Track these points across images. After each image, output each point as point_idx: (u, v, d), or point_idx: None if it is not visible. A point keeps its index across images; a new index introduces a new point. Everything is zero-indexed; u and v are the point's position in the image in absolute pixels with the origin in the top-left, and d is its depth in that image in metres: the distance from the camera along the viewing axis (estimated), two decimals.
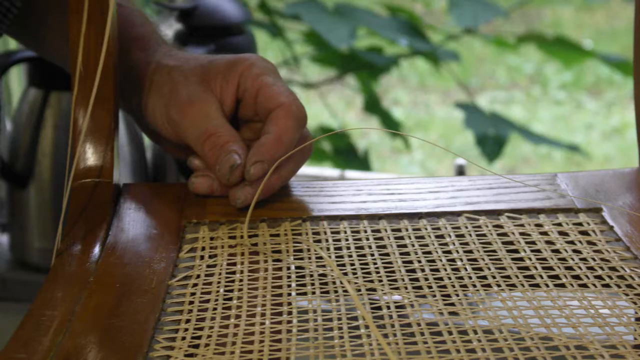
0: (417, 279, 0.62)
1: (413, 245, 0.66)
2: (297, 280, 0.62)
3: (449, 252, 0.65)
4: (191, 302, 0.60)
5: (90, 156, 0.72)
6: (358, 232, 0.69)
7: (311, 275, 0.63)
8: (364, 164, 2.11)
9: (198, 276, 0.63)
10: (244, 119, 0.76)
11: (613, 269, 0.63)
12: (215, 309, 0.59)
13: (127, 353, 0.54)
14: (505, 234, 0.68)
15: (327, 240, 0.68)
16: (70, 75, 0.71)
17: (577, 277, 0.62)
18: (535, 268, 0.63)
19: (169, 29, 1.42)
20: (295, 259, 0.65)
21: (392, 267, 0.63)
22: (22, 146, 1.41)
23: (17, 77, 1.75)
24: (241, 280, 0.62)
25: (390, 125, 2.15)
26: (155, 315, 0.58)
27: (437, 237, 0.68)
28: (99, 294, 0.60)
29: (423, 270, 0.63)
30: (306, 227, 0.69)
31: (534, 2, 2.94)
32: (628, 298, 0.59)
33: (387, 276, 0.62)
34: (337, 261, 0.65)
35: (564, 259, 0.64)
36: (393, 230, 0.69)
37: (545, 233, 0.68)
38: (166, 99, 0.75)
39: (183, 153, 0.77)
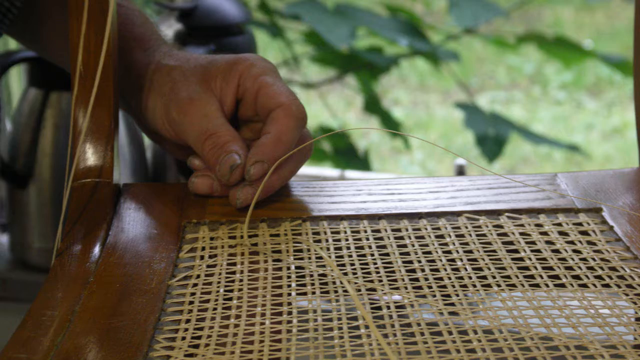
0: (417, 279, 0.62)
1: (413, 245, 0.66)
2: (297, 280, 0.62)
3: (449, 252, 0.65)
4: (191, 302, 0.60)
5: (90, 156, 0.72)
6: (358, 232, 0.69)
7: (311, 275, 0.63)
8: (364, 164, 2.11)
9: (198, 276, 0.63)
10: (244, 119, 0.76)
11: (613, 269, 0.63)
12: (215, 309, 0.59)
13: (127, 353, 0.54)
14: (505, 234, 0.68)
15: (327, 240, 0.68)
16: (70, 75, 0.71)
17: (577, 277, 0.62)
18: (535, 268, 0.63)
19: (169, 29, 1.42)
20: (295, 259, 0.65)
21: (392, 267, 0.63)
22: (22, 146, 1.41)
23: (17, 77, 1.75)
24: (241, 280, 0.62)
25: (390, 125, 2.15)
26: (155, 315, 0.58)
27: (437, 237, 0.68)
28: (99, 294, 0.60)
29: (423, 270, 0.63)
30: (306, 227, 0.69)
31: (534, 2, 2.94)
32: (628, 298, 0.59)
33: (387, 276, 0.62)
34: (337, 261, 0.65)
35: (564, 259, 0.64)
36: (393, 230, 0.69)
37: (545, 233, 0.68)
38: (166, 98, 0.75)
39: (183, 153, 0.77)
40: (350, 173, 1.90)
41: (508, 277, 0.62)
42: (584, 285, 0.61)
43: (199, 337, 0.56)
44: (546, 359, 0.52)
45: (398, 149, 3.24)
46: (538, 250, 0.66)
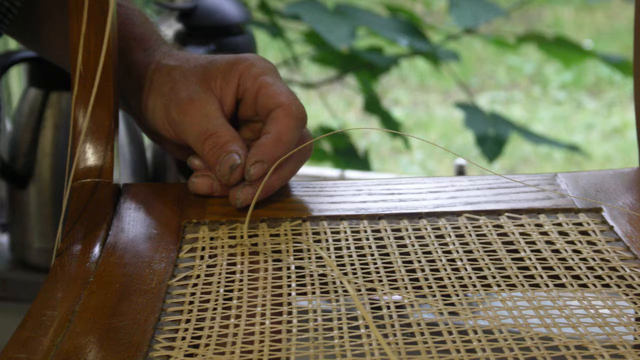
0: (417, 279, 0.62)
1: (413, 245, 0.66)
2: (297, 280, 0.62)
3: (449, 252, 0.65)
4: (191, 302, 0.60)
5: (90, 156, 0.72)
6: (358, 232, 0.69)
7: (311, 275, 0.63)
8: (364, 164, 2.11)
9: (198, 276, 0.63)
10: (244, 119, 0.76)
11: (613, 269, 0.63)
12: (215, 309, 0.59)
13: (127, 353, 0.54)
14: (505, 234, 0.68)
15: (327, 240, 0.68)
16: (70, 75, 0.71)
17: (577, 277, 0.62)
18: (535, 268, 0.63)
19: (169, 29, 1.42)
20: (295, 259, 0.65)
21: (392, 267, 0.63)
22: (22, 146, 1.41)
23: (17, 77, 1.75)
24: (241, 280, 0.62)
25: (390, 125, 2.15)
26: (155, 315, 0.58)
27: (437, 237, 0.68)
28: (99, 294, 0.60)
29: (423, 270, 0.63)
30: (306, 227, 0.69)
31: (534, 2, 2.94)
32: (628, 298, 0.59)
33: (387, 276, 0.62)
34: (337, 261, 0.65)
35: (564, 259, 0.64)
36: (393, 230, 0.69)
37: (545, 233, 0.68)
38: (166, 98, 0.75)
39: (183, 153, 0.77)
40: (350, 173, 1.90)
41: (508, 277, 0.62)
42: (584, 285, 0.61)
43: (199, 337, 0.56)
44: (546, 359, 0.52)
45: (398, 149, 3.24)
46: (538, 250, 0.66)
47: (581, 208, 0.71)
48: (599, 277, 0.62)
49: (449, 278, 0.62)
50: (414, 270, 0.63)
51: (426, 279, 0.62)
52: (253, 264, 0.64)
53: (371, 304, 0.59)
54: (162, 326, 0.57)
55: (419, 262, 0.64)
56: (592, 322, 0.56)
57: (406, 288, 0.61)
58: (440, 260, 0.64)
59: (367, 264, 0.64)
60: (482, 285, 0.61)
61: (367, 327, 0.55)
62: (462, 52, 2.32)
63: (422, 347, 0.54)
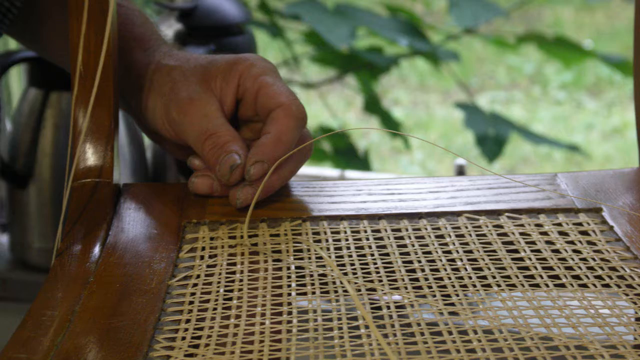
0: (417, 279, 0.62)
1: (413, 245, 0.66)
2: (297, 280, 0.62)
3: (449, 252, 0.65)
4: (191, 302, 0.60)
5: (90, 156, 0.72)
6: (358, 232, 0.69)
7: (311, 275, 0.63)
8: (364, 164, 2.11)
9: (198, 276, 0.63)
10: (244, 119, 0.76)
11: (613, 269, 0.63)
12: (215, 309, 0.59)
13: (127, 353, 0.54)
14: (505, 234, 0.68)
15: (327, 240, 0.68)
16: (70, 75, 0.71)
17: (577, 277, 0.62)
18: (535, 268, 0.63)
19: (169, 29, 1.42)
20: (295, 259, 0.65)
21: (392, 267, 0.63)
22: (22, 146, 1.41)
23: (17, 77, 1.75)
24: (241, 280, 0.62)
25: (390, 125, 2.15)
26: (155, 315, 0.58)
27: (437, 237, 0.68)
28: (99, 294, 0.60)
29: (423, 270, 0.63)
30: (306, 227, 0.69)
31: (534, 2, 2.94)
32: (628, 298, 0.59)
33: (387, 276, 0.62)
34: (337, 261, 0.65)
35: (564, 259, 0.64)
36: (393, 230, 0.69)
37: (545, 233, 0.68)
38: (166, 98, 0.75)
39: (183, 153, 0.77)
40: (350, 173, 1.90)
41: (508, 277, 0.62)
42: (584, 285, 0.61)
43: (199, 337, 0.56)
44: (546, 359, 0.52)
45: (398, 149, 3.24)
46: (538, 250, 0.66)
47: (581, 208, 0.71)
48: (599, 277, 0.62)
49: (449, 278, 0.62)
50: (414, 270, 0.63)
51: (426, 279, 0.62)
52: (253, 264, 0.64)
53: (371, 304, 0.59)
54: (162, 326, 0.57)
55: (419, 262, 0.64)
56: (592, 322, 0.56)
57: (406, 288, 0.61)
58: (440, 260, 0.64)
59: (367, 264, 0.64)
60: (482, 285, 0.61)
61: (367, 327, 0.55)
62: (462, 52, 2.32)
63: (422, 347, 0.54)
